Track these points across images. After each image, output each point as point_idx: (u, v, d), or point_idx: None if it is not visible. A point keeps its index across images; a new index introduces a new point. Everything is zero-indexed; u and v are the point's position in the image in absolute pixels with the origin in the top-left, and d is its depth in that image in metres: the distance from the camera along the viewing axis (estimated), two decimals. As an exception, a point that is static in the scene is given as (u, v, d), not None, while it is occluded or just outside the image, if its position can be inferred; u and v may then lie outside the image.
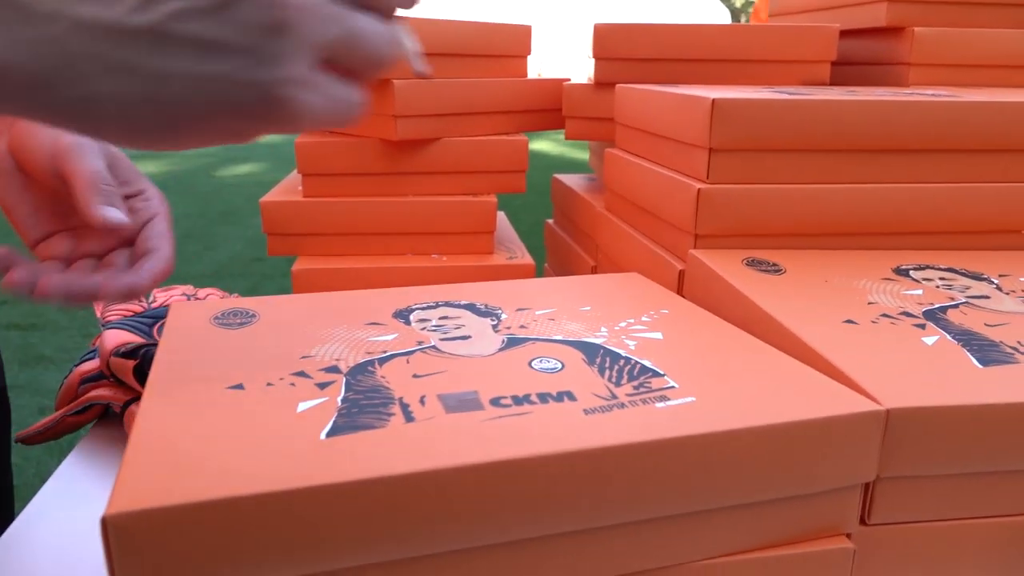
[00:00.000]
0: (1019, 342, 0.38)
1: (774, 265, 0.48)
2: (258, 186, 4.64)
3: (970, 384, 0.33)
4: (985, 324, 0.40)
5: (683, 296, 0.52)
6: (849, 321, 0.40)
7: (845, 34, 0.76)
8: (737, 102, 0.49)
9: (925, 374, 0.34)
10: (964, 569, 0.34)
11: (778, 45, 0.71)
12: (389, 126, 0.72)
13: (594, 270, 0.74)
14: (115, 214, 0.38)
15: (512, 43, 0.81)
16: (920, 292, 0.45)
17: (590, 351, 0.37)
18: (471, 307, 0.44)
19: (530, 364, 0.35)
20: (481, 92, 0.75)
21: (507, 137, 0.76)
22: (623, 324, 0.41)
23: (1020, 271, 0.49)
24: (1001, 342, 0.38)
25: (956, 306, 0.43)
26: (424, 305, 0.44)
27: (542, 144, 6.20)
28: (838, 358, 0.35)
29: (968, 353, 0.36)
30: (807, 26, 0.71)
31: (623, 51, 0.72)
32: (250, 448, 0.27)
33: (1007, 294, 0.45)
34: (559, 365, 0.35)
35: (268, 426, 0.29)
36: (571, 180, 0.87)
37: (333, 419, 0.29)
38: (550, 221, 0.93)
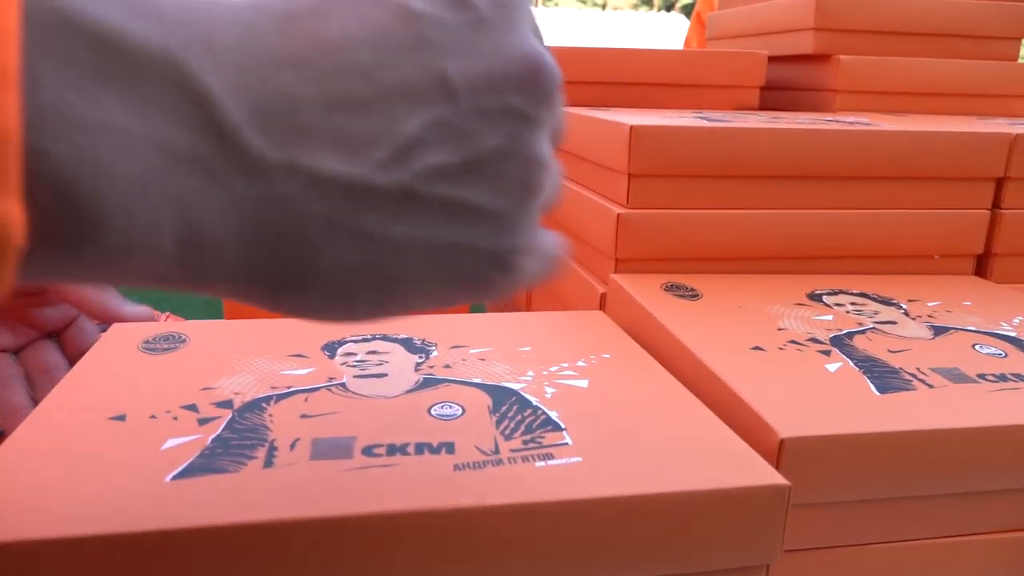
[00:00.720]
0: (918, 368, 0.38)
1: (691, 290, 0.49)
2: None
3: (865, 412, 0.33)
4: (888, 350, 0.41)
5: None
6: (757, 348, 0.40)
7: (776, 60, 0.78)
8: (655, 129, 0.49)
9: (823, 402, 0.34)
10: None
11: (709, 71, 0.73)
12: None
13: (528, 295, 0.74)
14: (143, 310, 0.39)
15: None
16: (830, 318, 0.45)
17: (501, 397, 0.35)
18: (406, 342, 0.42)
19: (429, 410, 0.33)
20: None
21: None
22: (553, 368, 0.39)
23: (929, 295, 0.50)
24: (901, 368, 0.38)
25: (863, 332, 0.43)
26: (358, 338, 0.42)
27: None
28: (741, 386, 0.35)
29: (868, 380, 0.37)
30: (737, 52, 0.72)
31: (572, 75, 0.73)
32: (96, 485, 0.26)
33: (913, 319, 0.46)
34: (459, 411, 0.33)
35: (122, 462, 0.27)
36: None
37: (190, 460, 0.28)
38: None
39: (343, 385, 0.36)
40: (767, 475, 0.29)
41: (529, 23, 0.22)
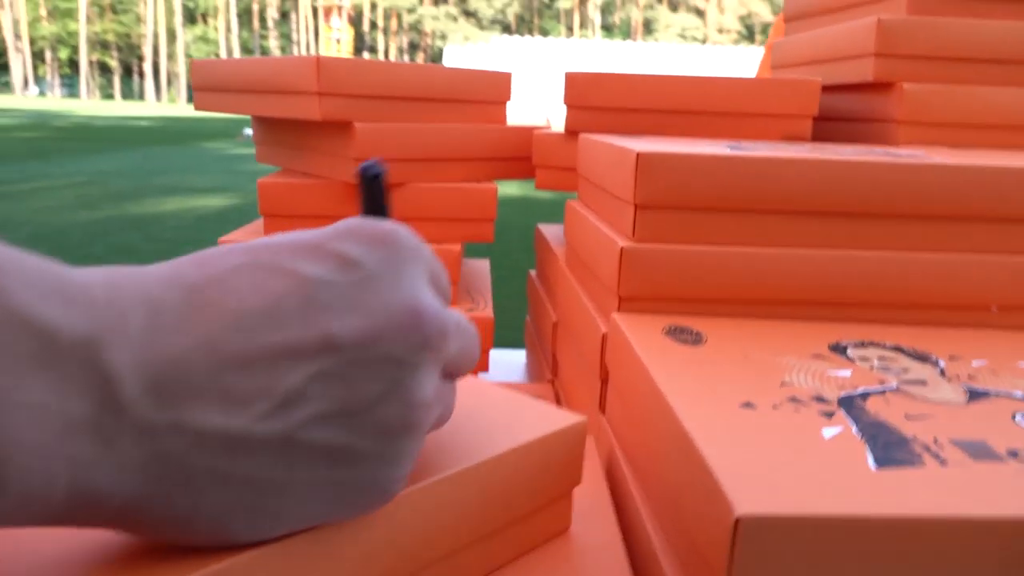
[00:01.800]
0: (935, 439, 0.33)
1: (695, 334, 0.44)
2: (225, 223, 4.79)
3: (848, 489, 0.28)
4: (906, 415, 0.35)
5: (604, 362, 0.49)
6: (748, 405, 0.35)
7: (835, 89, 0.72)
8: (663, 156, 0.45)
9: (802, 475, 0.29)
10: None
11: (756, 98, 0.68)
12: (349, 168, 0.70)
13: (554, 327, 0.70)
14: None
15: (490, 89, 0.79)
16: (848, 373, 0.40)
17: None
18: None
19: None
20: (447, 137, 0.74)
21: (475, 184, 0.74)
22: None
23: (975, 353, 0.43)
24: (914, 438, 0.33)
25: (882, 392, 0.38)
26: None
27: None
28: (710, 449, 0.31)
29: (868, 450, 0.32)
30: (787, 79, 0.67)
31: (594, 100, 0.69)
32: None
33: (948, 380, 0.40)
34: None
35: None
36: (551, 231, 0.84)
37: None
38: (532, 272, 0.90)
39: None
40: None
41: (418, 274, 0.25)
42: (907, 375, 0.40)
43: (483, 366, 0.71)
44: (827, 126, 0.74)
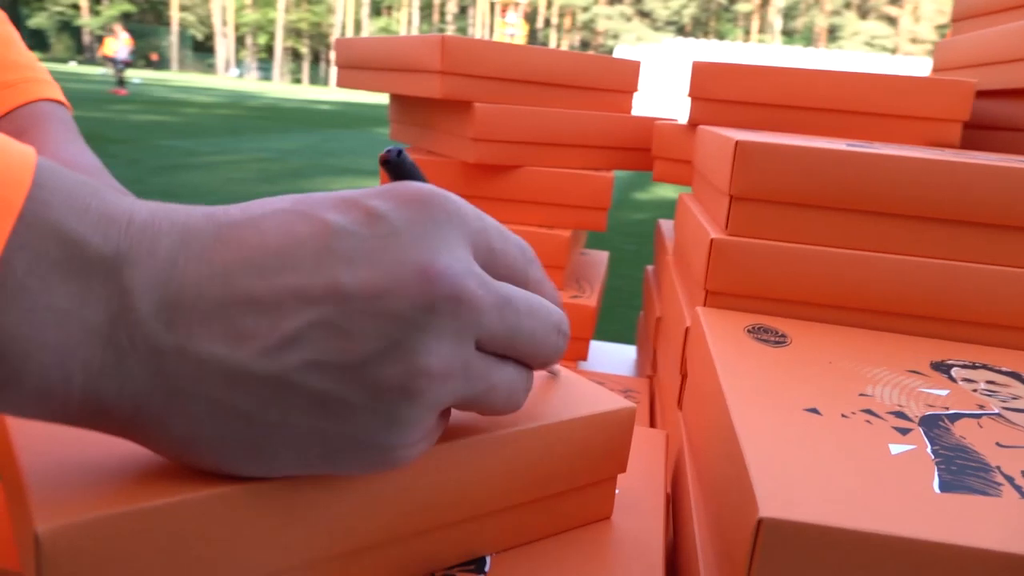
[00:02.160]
0: (1023, 472, 0.29)
1: (780, 336, 0.41)
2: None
3: (892, 508, 0.26)
4: (997, 443, 0.31)
5: (684, 357, 0.47)
6: (813, 411, 0.33)
7: (991, 95, 0.65)
8: (763, 146, 0.43)
9: (846, 486, 0.27)
10: None
11: (899, 98, 0.63)
12: (468, 148, 0.71)
13: (657, 322, 0.68)
14: None
15: (617, 78, 0.78)
16: (945, 393, 0.36)
17: None
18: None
19: None
20: (566, 122, 0.73)
21: (591, 172, 0.73)
22: None
23: (1107, 390, 0.38)
24: (998, 467, 0.29)
25: (977, 416, 0.34)
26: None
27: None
28: (752, 448, 0.29)
29: (937, 472, 0.28)
30: (935, 79, 0.61)
31: (720, 92, 0.67)
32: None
33: (1064, 414, 0.35)
34: None
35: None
36: (669, 226, 0.82)
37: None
38: (649, 267, 0.88)
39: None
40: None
41: (450, 237, 0.24)
42: (1015, 403, 0.36)
43: (581, 355, 0.70)
44: (981, 134, 0.68)
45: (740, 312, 0.44)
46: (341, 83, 0.87)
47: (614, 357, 0.85)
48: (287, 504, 0.25)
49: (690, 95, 0.68)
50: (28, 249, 0.19)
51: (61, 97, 0.56)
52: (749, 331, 0.42)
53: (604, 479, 0.34)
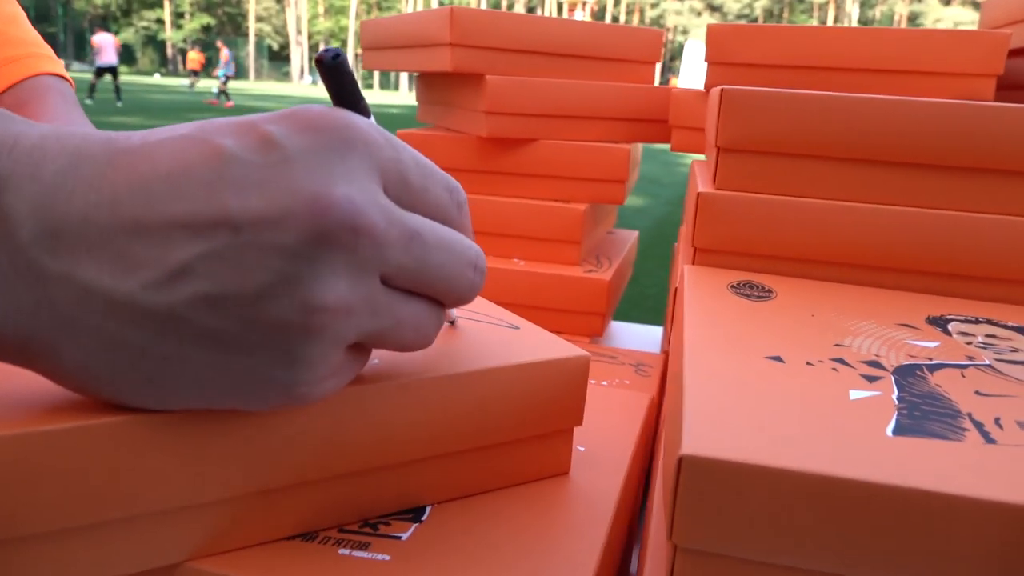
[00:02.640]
0: (998, 420, 0.27)
1: (766, 291, 0.39)
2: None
3: (828, 448, 0.24)
4: (976, 391, 0.29)
5: (672, 318, 0.45)
6: (775, 358, 0.31)
7: (1035, 45, 0.61)
8: (750, 93, 0.41)
9: (784, 429, 0.25)
10: None
11: (927, 53, 0.59)
12: (480, 122, 0.71)
13: (675, 293, 0.66)
14: None
15: (638, 48, 0.76)
16: (933, 345, 0.34)
17: None
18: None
19: None
20: (581, 94, 0.72)
21: (606, 144, 0.71)
22: None
23: (1122, 343, 0.35)
24: (968, 415, 0.27)
25: (963, 367, 0.31)
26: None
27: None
28: (694, 391, 0.27)
29: (896, 417, 0.26)
30: (965, 31, 0.58)
31: (738, 55, 0.64)
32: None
33: (1064, 366, 0.32)
34: None
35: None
36: (695, 201, 0.80)
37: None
38: (676, 244, 0.85)
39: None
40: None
41: (352, 166, 0.22)
42: (1012, 355, 0.33)
43: (596, 330, 0.69)
44: (1018, 96, 0.63)
45: (728, 270, 0.42)
46: (367, 65, 0.88)
47: (645, 337, 0.83)
48: (199, 436, 0.24)
49: (707, 59, 0.66)
50: None
51: (63, 72, 0.57)
52: (733, 287, 0.40)
53: (557, 431, 0.33)
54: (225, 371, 0.22)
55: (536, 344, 0.33)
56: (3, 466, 0.22)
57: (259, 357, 0.22)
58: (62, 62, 0.59)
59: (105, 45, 13.00)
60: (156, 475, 0.24)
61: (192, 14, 58.72)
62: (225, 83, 16.15)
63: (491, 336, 0.33)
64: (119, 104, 12.81)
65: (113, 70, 13.07)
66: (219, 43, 16.88)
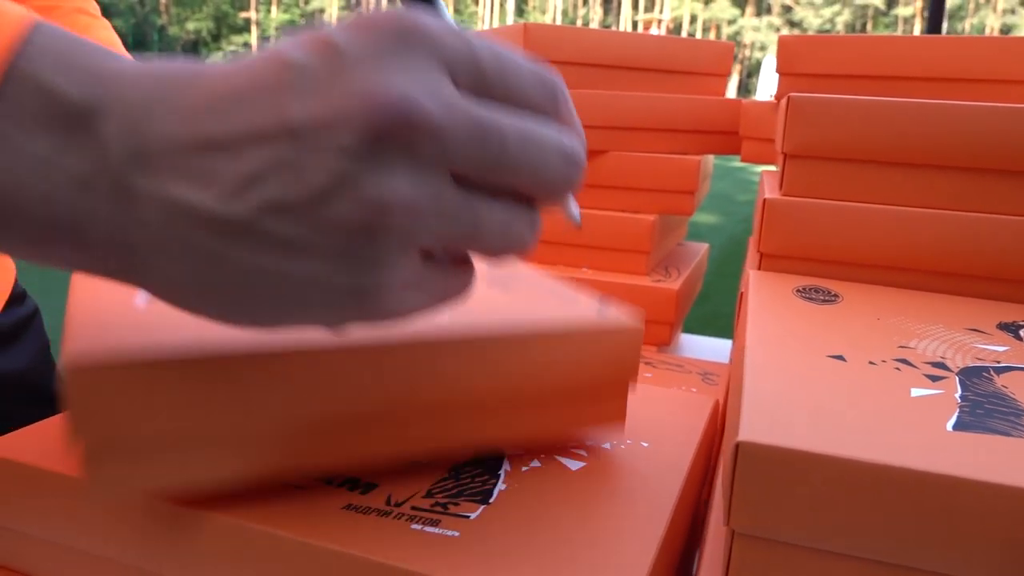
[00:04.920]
0: (1063, 419, 0.27)
1: (831, 295, 0.39)
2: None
3: (886, 439, 0.24)
4: (1045, 394, 0.29)
5: (737, 325, 0.45)
6: (837, 357, 0.31)
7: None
8: (817, 100, 0.41)
9: (842, 420, 0.25)
10: None
11: (1007, 62, 0.58)
12: (551, 134, 0.72)
13: (742, 296, 0.66)
14: None
15: (709, 61, 0.77)
16: (1003, 350, 0.33)
17: None
18: None
19: None
20: (649, 107, 0.73)
21: (676, 156, 0.72)
22: None
23: None
24: (1033, 414, 0.27)
25: (1032, 370, 0.31)
26: None
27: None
28: (754, 382, 0.28)
29: (958, 413, 0.26)
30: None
31: (809, 66, 0.64)
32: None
33: None
34: None
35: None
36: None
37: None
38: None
39: None
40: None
41: (415, 64, 0.21)
42: (1087, 361, 0.33)
43: (664, 340, 0.69)
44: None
45: (794, 275, 0.43)
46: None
47: (714, 349, 0.83)
48: (282, 366, 0.27)
49: (778, 70, 0.66)
50: (9, 101, 0.21)
51: (106, 24, 0.61)
52: (798, 291, 0.40)
53: (614, 386, 0.35)
54: (300, 281, 0.22)
55: (595, 310, 0.35)
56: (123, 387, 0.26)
57: (330, 263, 0.22)
58: (107, 21, 0.63)
59: None
60: (254, 403, 0.27)
61: (277, 37, 61.02)
62: None
63: (554, 302, 0.35)
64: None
65: None
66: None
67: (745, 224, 5.62)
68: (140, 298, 0.32)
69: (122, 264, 0.23)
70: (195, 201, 0.21)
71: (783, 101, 0.42)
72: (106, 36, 0.63)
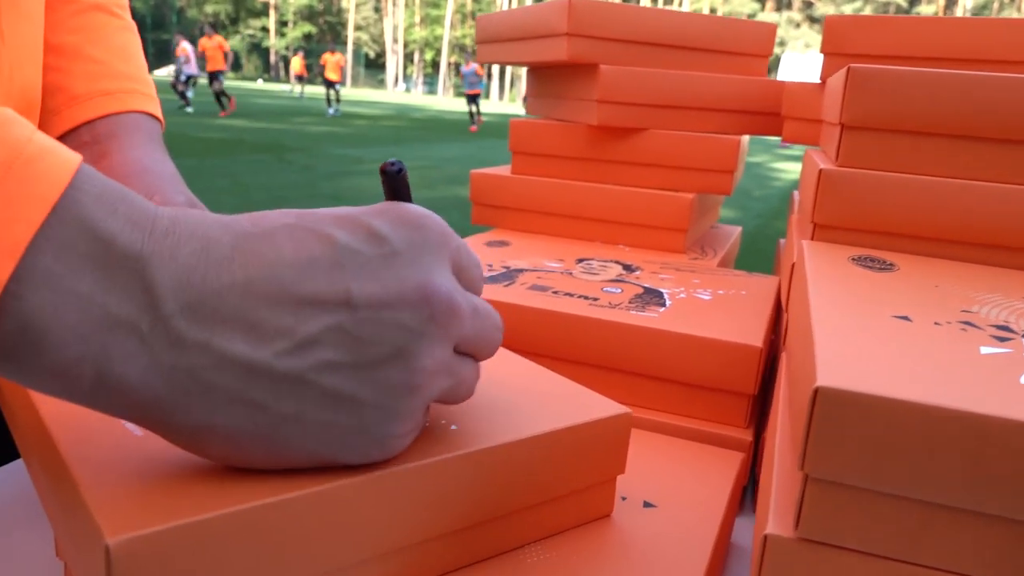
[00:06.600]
0: None
1: (888, 264, 0.40)
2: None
3: (961, 388, 0.24)
4: (1112, 356, 0.29)
5: (788, 294, 0.46)
6: (903, 317, 0.32)
7: None
8: (877, 71, 0.41)
9: (915, 371, 0.26)
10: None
11: (1057, 43, 0.58)
12: (592, 110, 0.73)
13: (793, 266, 0.66)
14: None
15: (751, 41, 0.77)
16: (1064, 317, 0.34)
17: None
18: None
19: None
20: (691, 86, 0.73)
21: (715, 135, 0.72)
22: None
23: None
24: (1105, 373, 0.27)
25: (1097, 335, 0.31)
26: None
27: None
28: (824, 336, 0.28)
29: (1029, 370, 0.27)
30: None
31: (856, 46, 0.64)
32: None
33: None
34: None
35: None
36: (803, 195, 0.80)
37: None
38: (782, 240, 0.85)
39: None
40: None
41: (439, 259, 0.27)
42: None
43: (700, 317, 0.70)
44: None
45: (848, 246, 0.43)
46: (481, 58, 0.91)
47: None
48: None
49: (823, 51, 0.66)
50: (57, 239, 0.21)
51: (157, 112, 0.56)
52: (854, 259, 0.40)
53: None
54: (334, 427, 0.26)
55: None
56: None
57: (368, 414, 0.26)
58: (158, 100, 0.58)
59: (192, 55, 13.22)
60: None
61: (295, 23, 61.00)
62: (187, 84, 13.37)
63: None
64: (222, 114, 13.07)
65: (212, 77, 13.07)
66: (177, 35, 14.14)
67: (760, 220, 5.60)
68: (134, 429, 0.29)
69: (145, 405, 0.24)
70: (250, 353, 0.24)
71: (841, 74, 0.43)
72: (121, 40, 0.57)
